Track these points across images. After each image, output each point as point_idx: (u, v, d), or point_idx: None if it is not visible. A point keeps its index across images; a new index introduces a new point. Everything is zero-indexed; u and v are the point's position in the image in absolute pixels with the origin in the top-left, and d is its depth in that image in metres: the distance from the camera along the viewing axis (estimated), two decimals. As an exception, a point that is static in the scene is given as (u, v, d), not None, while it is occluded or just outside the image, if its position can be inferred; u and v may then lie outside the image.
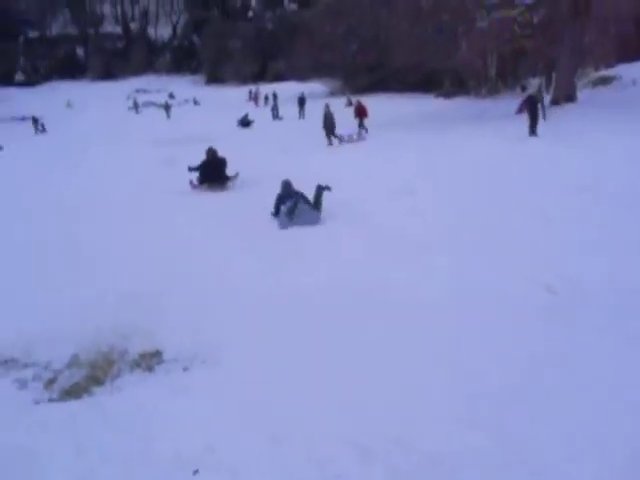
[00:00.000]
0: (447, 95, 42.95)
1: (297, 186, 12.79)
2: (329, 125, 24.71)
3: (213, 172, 16.90)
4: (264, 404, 5.40)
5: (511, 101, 30.73)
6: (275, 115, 41.25)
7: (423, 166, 16.75)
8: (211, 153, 17.24)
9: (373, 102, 41.31)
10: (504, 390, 5.32)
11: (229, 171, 17.21)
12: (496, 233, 10.01)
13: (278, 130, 32.39)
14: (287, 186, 12.86)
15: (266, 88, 58.12)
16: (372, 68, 48.70)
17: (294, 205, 12.04)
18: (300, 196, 12.35)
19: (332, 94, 50.59)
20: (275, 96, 45.34)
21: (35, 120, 47.52)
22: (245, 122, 37.04)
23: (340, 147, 23.88)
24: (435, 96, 43.92)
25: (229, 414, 5.32)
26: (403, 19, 32.84)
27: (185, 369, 6.26)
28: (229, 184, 17.10)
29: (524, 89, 40.08)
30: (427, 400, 5.28)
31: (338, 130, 24.87)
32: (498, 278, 7.94)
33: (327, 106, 25.58)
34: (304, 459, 4.66)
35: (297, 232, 11.46)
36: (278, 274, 8.91)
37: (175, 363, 6.39)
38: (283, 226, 11.93)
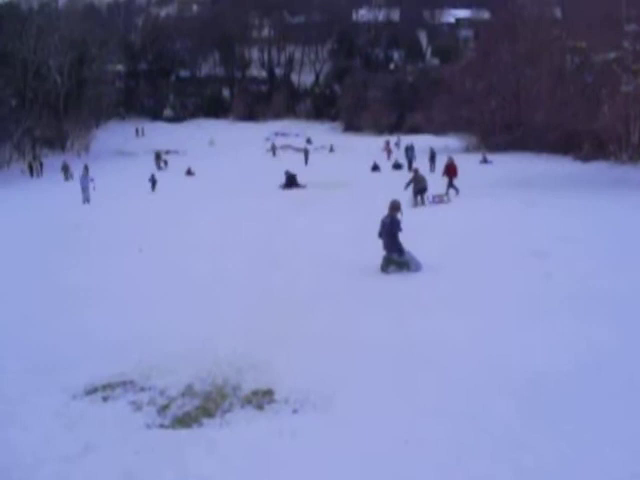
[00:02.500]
0: (585, 158, 41.52)
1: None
2: (418, 188, 23.55)
3: (290, 182, 31.67)
4: (371, 456, 5.28)
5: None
6: (410, 166, 41.37)
7: (559, 228, 15.94)
8: (287, 173, 32.02)
9: (508, 160, 40.76)
10: None
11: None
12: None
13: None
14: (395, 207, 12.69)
15: (403, 140, 58.41)
16: (510, 126, 47.97)
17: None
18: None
19: (467, 150, 50.08)
20: (412, 148, 45.55)
21: (158, 156, 49.20)
22: (375, 167, 42.45)
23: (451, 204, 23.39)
24: (573, 159, 42.61)
25: (334, 462, 5.23)
26: (546, 78, 32.26)
27: (294, 411, 6.25)
28: (301, 187, 31.05)
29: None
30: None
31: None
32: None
33: (416, 170, 24.65)
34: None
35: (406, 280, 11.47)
36: (397, 323, 8.82)
37: (285, 404, 6.40)
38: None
